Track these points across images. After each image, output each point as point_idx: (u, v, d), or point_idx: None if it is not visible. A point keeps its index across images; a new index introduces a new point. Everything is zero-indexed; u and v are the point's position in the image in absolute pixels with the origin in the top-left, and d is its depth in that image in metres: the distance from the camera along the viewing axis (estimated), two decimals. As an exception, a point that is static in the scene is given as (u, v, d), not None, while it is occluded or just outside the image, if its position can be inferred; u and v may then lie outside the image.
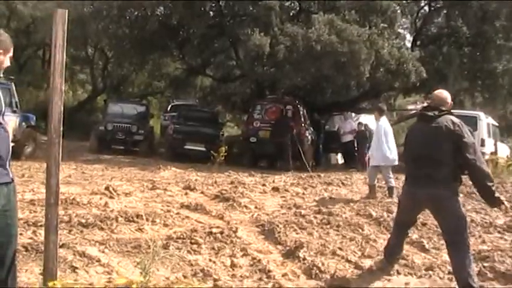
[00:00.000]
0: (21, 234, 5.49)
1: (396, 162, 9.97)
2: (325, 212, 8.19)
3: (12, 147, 3.83)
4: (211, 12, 20.96)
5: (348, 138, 19.11)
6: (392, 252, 5.87)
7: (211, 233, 6.62)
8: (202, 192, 9.58)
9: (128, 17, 20.60)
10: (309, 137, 17.79)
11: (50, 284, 3.54)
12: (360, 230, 7.28)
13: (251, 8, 19.31)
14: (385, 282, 5.55)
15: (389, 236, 6.26)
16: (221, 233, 6.63)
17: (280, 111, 17.82)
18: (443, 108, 5.34)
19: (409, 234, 6.51)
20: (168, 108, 26.42)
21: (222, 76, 25.75)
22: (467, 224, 5.34)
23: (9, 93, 13.99)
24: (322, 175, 13.36)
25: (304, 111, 18.42)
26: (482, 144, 16.29)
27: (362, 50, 16.18)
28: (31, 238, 5.95)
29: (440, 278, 5.68)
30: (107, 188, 8.75)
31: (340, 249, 6.38)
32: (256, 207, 8.58)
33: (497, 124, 19.77)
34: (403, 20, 22.46)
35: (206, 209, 8.08)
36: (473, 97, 24.87)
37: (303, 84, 19.57)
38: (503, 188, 11.50)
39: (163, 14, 20.57)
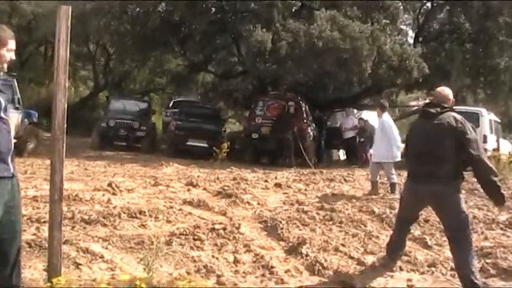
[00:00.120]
0: (24, 230, 5.49)
1: (398, 159, 9.96)
2: (327, 208, 8.20)
3: (15, 143, 3.83)
4: (213, 9, 20.90)
5: (350, 134, 19.12)
6: (395, 249, 5.87)
7: (214, 229, 6.63)
8: (204, 189, 9.60)
9: (129, 13, 20.59)
10: (311, 133, 17.78)
11: (55, 280, 3.55)
12: (363, 227, 7.28)
13: (253, 4, 19.29)
14: (388, 278, 5.55)
15: (391, 232, 6.26)
16: (224, 229, 6.65)
17: (282, 108, 17.80)
18: (446, 105, 5.34)
19: (412, 231, 6.52)
20: (170, 105, 26.43)
21: (224, 72, 25.74)
22: (469, 220, 5.34)
23: (11, 89, 13.98)
24: (324, 171, 13.40)
25: (307, 107, 18.41)
26: (485, 140, 16.27)
27: (364, 46, 16.17)
28: (34, 234, 5.97)
29: (442, 274, 5.68)
30: (109, 185, 8.77)
31: (343, 245, 6.38)
32: (258, 204, 8.61)
33: (499, 120, 19.75)
34: (406, 16, 22.46)
35: (209, 205, 8.09)
36: (475, 93, 24.83)
37: (305, 81, 19.57)
38: (505, 184, 11.50)
39: (165, 11, 20.54)
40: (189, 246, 6.00)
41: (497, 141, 17.86)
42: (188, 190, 9.40)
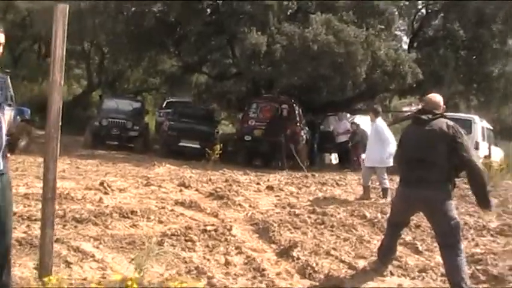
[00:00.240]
0: (15, 228, 5.46)
1: (391, 164, 9.96)
2: (319, 212, 8.19)
3: (7, 140, 3.82)
4: (208, 10, 20.93)
5: (343, 138, 19.12)
6: (386, 253, 5.89)
7: (205, 230, 6.63)
8: (196, 190, 9.59)
9: (125, 13, 20.56)
10: (304, 137, 17.79)
11: (46, 279, 3.54)
12: (354, 231, 7.29)
13: (248, 7, 19.30)
14: (379, 283, 5.57)
15: (382, 237, 6.28)
16: (215, 230, 6.64)
17: (275, 110, 17.82)
18: (437, 112, 5.39)
19: (403, 236, 6.54)
20: (163, 105, 26.37)
21: (218, 74, 25.72)
22: (460, 226, 5.37)
23: (5, 86, 13.93)
24: (316, 175, 13.38)
25: (300, 110, 18.42)
26: (477, 147, 16.30)
27: (359, 51, 16.23)
28: (25, 232, 5.96)
29: (433, 280, 5.69)
30: (101, 184, 8.75)
31: (334, 249, 6.39)
32: (250, 206, 8.59)
33: (491, 127, 19.80)
34: (400, 22, 22.55)
35: (201, 206, 8.08)
36: (468, 100, 24.95)
37: (299, 84, 19.59)
38: (496, 191, 11.54)
39: (161, 11, 20.52)
40: (180, 247, 6.00)
41: (489, 148, 17.90)
42: (180, 191, 9.39)
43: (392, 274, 5.76)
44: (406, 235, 7.00)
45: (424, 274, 5.80)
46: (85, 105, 30.46)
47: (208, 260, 5.73)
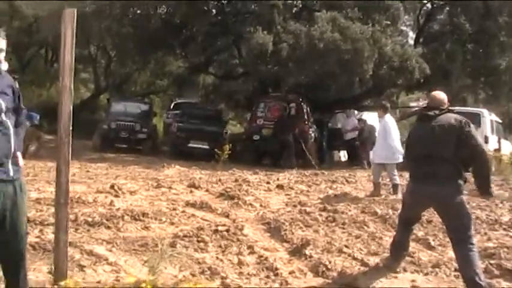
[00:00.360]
0: (27, 233, 5.51)
1: (401, 160, 9.95)
2: (330, 209, 8.19)
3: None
4: (213, 10, 20.94)
5: (351, 135, 19.08)
6: (399, 249, 5.89)
7: (217, 231, 6.64)
8: (207, 190, 9.60)
9: (130, 16, 20.60)
10: (312, 135, 17.77)
11: (63, 283, 3.56)
12: (366, 228, 7.29)
13: (254, 6, 19.30)
14: (392, 279, 5.56)
15: (394, 233, 6.27)
16: (227, 231, 6.65)
17: (283, 109, 17.81)
18: (443, 108, 5.41)
19: (415, 232, 6.54)
20: (171, 107, 26.42)
21: (225, 74, 25.74)
22: (472, 221, 5.36)
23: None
24: (326, 172, 13.41)
25: (308, 108, 18.40)
26: (486, 141, 16.24)
27: (365, 48, 16.16)
28: (38, 237, 5.98)
29: (446, 275, 5.68)
30: (112, 187, 8.78)
31: (346, 246, 6.39)
32: (261, 205, 8.60)
33: (500, 121, 19.74)
34: (406, 17, 22.43)
35: (211, 207, 8.09)
36: (476, 94, 24.85)
37: (306, 82, 19.57)
38: (507, 184, 11.52)
39: (166, 13, 20.57)
40: (193, 248, 6.02)
41: (499, 141, 17.86)
42: (191, 192, 9.41)
43: (405, 270, 5.76)
44: (418, 231, 7.00)
45: (437, 269, 5.79)
46: (93, 108, 30.58)
47: (221, 260, 5.74)
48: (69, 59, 3.66)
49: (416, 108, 22.89)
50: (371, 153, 11.31)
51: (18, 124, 3.97)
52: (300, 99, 18.35)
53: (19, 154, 3.82)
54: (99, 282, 4.91)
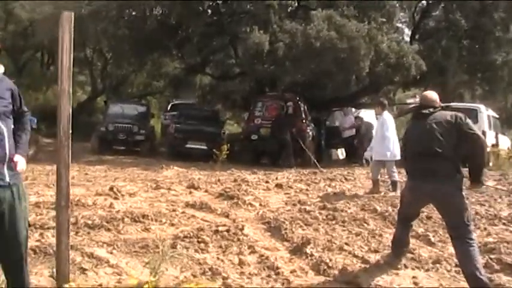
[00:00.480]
0: (27, 237, 5.52)
1: (399, 157, 9.96)
2: (330, 207, 8.21)
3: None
4: (209, 11, 20.92)
5: (349, 133, 19.11)
6: (399, 245, 5.92)
7: (217, 231, 6.65)
8: (206, 191, 9.60)
9: (126, 18, 20.58)
10: (310, 133, 17.78)
11: (66, 285, 3.56)
12: (366, 225, 7.31)
13: (249, 6, 19.29)
14: (393, 276, 5.57)
15: (394, 230, 6.29)
16: (227, 231, 6.66)
17: (280, 108, 17.81)
18: (436, 106, 5.50)
19: (415, 228, 6.58)
20: (168, 108, 26.43)
21: (222, 74, 25.72)
22: (471, 217, 5.38)
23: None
24: (324, 171, 13.41)
25: (305, 107, 18.41)
26: (484, 136, 16.28)
27: (361, 45, 16.18)
28: (38, 240, 5.98)
29: (447, 271, 5.70)
30: (111, 189, 8.77)
31: (347, 244, 6.41)
32: (260, 205, 8.61)
33: (497, 116, 19.76)
34: (402, 14, 22.50)
35: (211, 207, 8.10)
36: (473, 90, 24.89)
37: (302, 81, 19.58)
38: (505, 179, 11.54)
39: (162, 14, 20.57)
40: (193, 248, 6.02)
41: (496, 137, 17.88)
42: (190, 193, 9.40)
43: (406, 267, 5.78)
44: (418, 227, 7.02)
45: (438, 265, 5.81)
46: (90, 111, 30.54)
47: (222, 260, 5.75)
48: (67, 62, 3.66)
49: (414, 105, 22.90)
50: (367, 150, 11.29)
51: (21, 128, 3.97)
52: (297, 98, 18.35)
53: (20, 158, 3.80)
54: (100, 285, 4.92)
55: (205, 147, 17.21)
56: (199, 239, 6.28)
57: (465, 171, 5.38)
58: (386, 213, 7.85)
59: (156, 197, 8.88)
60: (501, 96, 25.75)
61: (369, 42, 16.60)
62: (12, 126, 3.81)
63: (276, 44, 16.74)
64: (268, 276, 5.39)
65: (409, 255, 5.99)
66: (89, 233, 6.40)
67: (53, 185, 8.57)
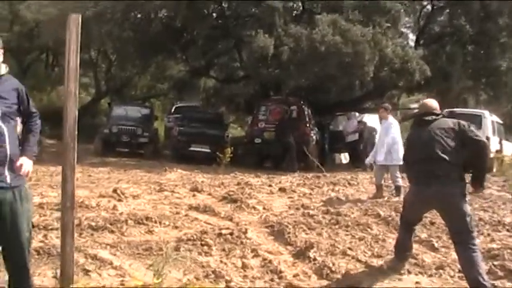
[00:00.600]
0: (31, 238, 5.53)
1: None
2: (333, 212, 8.21)
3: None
4: (214, 14, 20.98)
5: (353, 138, 19.09)
6: (402, 250, 5.91)
7: (221, 234, 6.65)
8: (209, 194, 9.61)
9: (131, 20, 20.61)
10: (314, 137, 17.78)
11: (71, 287, 3.57)
12: (369, 230, 7.30)
13: (254, 9, 19.32)
14: (396, 281, 5.57)
15: (397, 235, 6.28)
16: (231, 234, 6.66)
17: (284, 112, 17.81)
18: (438, 113, 5.58)
19: (418, 234, 6.58)
20: (172, 110, 26.45)
21: (226, 77, 25.76)
22: (474, 222, 5.39)
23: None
24: (328, 175, 13.41)
25: (309, 111, 18.41)
26: (488, 141, 16.25)
27: (366, 50, 16.18)
28: (42, 242, 5.98)
29: (450, 276, 5.69)
30: (114, 191, 8.77)
31: (350, 249, 6.40)
32: (264, 208, 8.60)
33: (502, 122, 19.74)
34: (406, 19, 22.48)
35: (214, 210, 8.10)
36: (477, 95, 24.86)
37: (306, 85, 19.59)
38: (509, 186, 11.52)
39: (167, 16, 20.59)
40: (197, 251, 6.02)
41: (500, 142, 17.86)
42: (193, 195, 9.41)
43: (409, 272, 5.77)
44: (422, 232, 7.02)
45: (441, 271, 5.80)
46: (94, 113, 30.55)
47: (225, 263, 5.74)
48: (74, 64, 3.66)
49: (418, 110, 22.85)
50: (368, 159, 11.28)
51: (29, 129, 3.97)
52: (301, 102, 18.38)
53: (26, 160, 3.79)
54: (104, 286, 4.92)
55: (208, 150, 17.22)
56: (203, 242, 6.28)
57: (467, 176, 5.38)
58: (390, 218, 7.85)
59: (160, 199, 8.89)
60: (505, 102, 25.69)
61: (374, 47, 16.60)
62: (20, 127, 3.81)
63: (280, 48, 16.76)
64: (271, 280, 5.39)
65: (413, 261, 5.98)
66: (92, 234, 6.40)
67: (57, 186, 8.60)
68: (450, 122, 5.37)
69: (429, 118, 5.49)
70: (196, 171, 13.59)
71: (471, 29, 20.18)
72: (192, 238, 6.41)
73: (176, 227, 7.03)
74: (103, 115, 28.10)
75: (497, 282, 5.50)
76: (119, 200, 8.38)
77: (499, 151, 16.96)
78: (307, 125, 17.70)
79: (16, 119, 3.88)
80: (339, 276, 5.56)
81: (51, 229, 6.28)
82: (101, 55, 31.04)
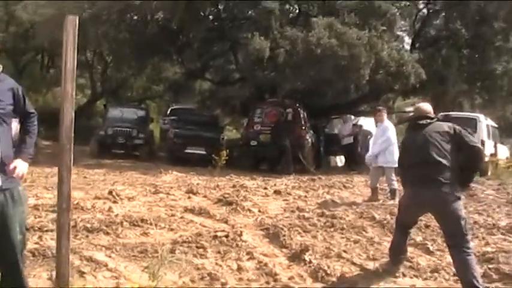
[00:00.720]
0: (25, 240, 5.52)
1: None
2: (328, 215, 8.22)
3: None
4: (210, 16, 20.97)
5: (348, 141, 19.10)
6: (397, 252, 5.94)
7: (216, 236, 6.65)
8: (205, 196, 9.61)
9: (127, 22, 20.59)
10: (309, 140, 17.78)
11: (69, 288, 3.56)
12: (364, 233, 7.32)
13: (250, 12, 19.33)
14: (391, 284, 5.58)
15: (392, 238, 6.30)
16: (226, 236, 6.66)
17: (280, 115, 17.82)
18: (432, 116, 5.64)
19: (413, 237, 6.59)
20: (168, 112, 26.42)
21: (221, 80, 25.76)
22: (468, 226, 5.41)
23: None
24: (323, 178, 13.42)
25: (305, 114, 18.41)
26: (482, 146, 16.29)
27: (362, 53, 16.21)
28: (37, 243, 5.97)
29: (445, 279, 5.70)
30: (110, 193, 8.78)
31: (345, 251, 6.41)
32: (259, 211, 8.61)
33: (496, 126, 19.80)
34: (402, 22, 22.55)
35: (210, 212, 8.10)
36: (472, 99, 24.92)
37: (302, 88, 19.59)
38: (504, 189, 11.55)
39: (163, 18, 20.58)
40: (192, 254, 6.01)
41: (495, 146, 17.91)
42: (189, 198, 9.41)
43: (404, 275, 5.78)
44: (417, 236, 7.03)
45: (436, 274, 5.81)
46: (89, 114, 30.49)
47: (220, 266, 5.74)
48: (71, 65, 3.66)
49: (413, 114, 22.87)
50: (366, 160, 11.29)
51: (25, 130, 3.95)
52: (297, 105, 18.36)
53: (21, 163, 3.78)
54: (99, 288, 4.92)
55: (204, 153, 17.22)
56: (198, 244, 6.28)
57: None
58: (385, 221, 7.86)
59: (155, 201, 8.88)
60: (500, 106, 25.77)
61: (370, 50, 16.63)
62: (16, 128, 3.79)
63: (276, 51, 16.77)
64: (267, 282, 5.40)
65: (408, 264, 6.00)
66: (87, 236, 6.39)
67: (52, 187, 8.59)
68: (445, 126, 5.42)
69: (424, 122, 5.53)
70: (192, 174, 13.58)
71: (467, 32, 20.22)
72: (187, 240, 6.41)
73: (171, 229, 7.03)
74: (99, 117, 28.03)
75: (492, 286, 5.51)
76: (114, 202, 8.37)
77: (494, 155, 17.02)
78: (303, 127, 17.69)
79: (11, 120, 3.86)
80: (334, 279, 5.57)
81: (46, 231, 6.27)
82: (96, 56, 31.00)
